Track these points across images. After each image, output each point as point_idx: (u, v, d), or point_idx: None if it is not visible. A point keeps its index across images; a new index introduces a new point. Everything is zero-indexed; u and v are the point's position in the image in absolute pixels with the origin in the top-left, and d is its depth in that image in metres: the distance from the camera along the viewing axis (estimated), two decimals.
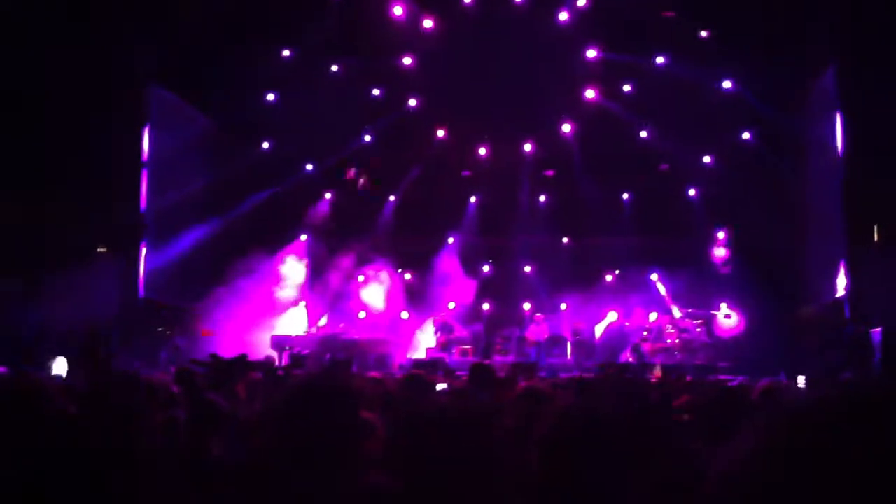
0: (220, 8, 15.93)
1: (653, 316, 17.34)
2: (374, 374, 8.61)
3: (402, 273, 19.08)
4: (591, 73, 18.07)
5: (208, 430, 3.44)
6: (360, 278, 18.68)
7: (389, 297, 18.59)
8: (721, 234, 17.95)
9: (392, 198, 19.57)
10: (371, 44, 17.98)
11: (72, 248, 14.98)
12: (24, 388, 2.97)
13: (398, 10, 17.68)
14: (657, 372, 15.82)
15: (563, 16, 17.82)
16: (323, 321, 18.07)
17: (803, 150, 16.67)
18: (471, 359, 16.00)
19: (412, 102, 18.91)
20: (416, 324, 18.47)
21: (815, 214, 16.12)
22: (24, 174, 14.65)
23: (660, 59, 17.59)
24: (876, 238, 13.72)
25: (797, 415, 0.86)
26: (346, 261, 18.76)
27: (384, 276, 18.62)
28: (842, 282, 14.78)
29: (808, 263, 16.61)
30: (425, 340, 17.97)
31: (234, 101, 17.51)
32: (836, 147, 14.88)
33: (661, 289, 17.99)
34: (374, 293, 18.57)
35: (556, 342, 17.67)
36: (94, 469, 2.37)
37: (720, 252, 17.84)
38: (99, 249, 16.26)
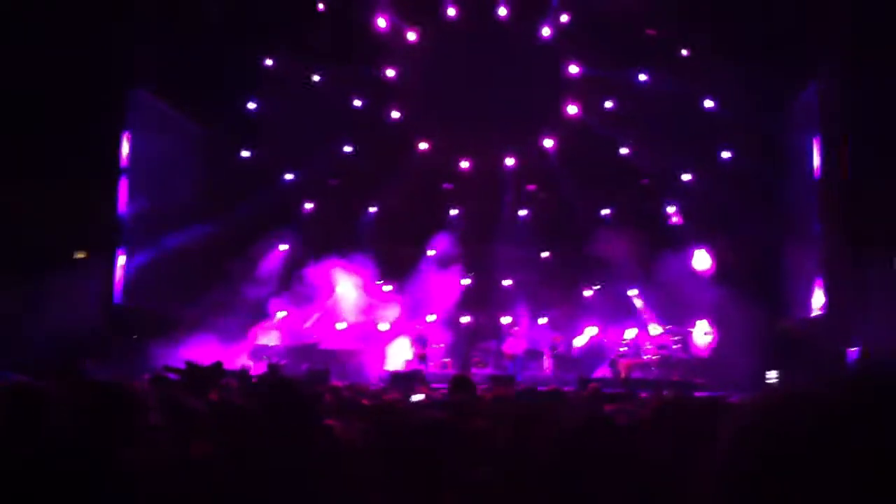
0: (208, 12, 15.90)
1: (631, 332, 17.39)
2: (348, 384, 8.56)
3: (382, 284, 19.00)
4: (574, 89, 18.19)
5: (187, 433, 3.40)
6: (339, 289, 18.57)
7: (367, 309, 18.49)
8: (707, 261, 17.72)
9: (373, 209, 19.53)
10: (355, 54, 18.02)
11: (49, 251, 14.81)
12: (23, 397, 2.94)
13: (382, 23, 17.73)
14: (622, 371, 16.02)
15: (546, 31, 17.94)
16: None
17: (783, 166, 16.83)
18: (450, 371, 15.96)
19: (395, 115, 18.91)
20: (393, 335, 18.37)
21: (794, 230, 16.25)
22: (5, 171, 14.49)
23: (642, 77, 17.72)
24: (854, 256, 13.81)
25: (772, 413, 0.86)
26: (326, 271, 18.64)
27: (363, 287, 18.52)
28: (818, 300, 14.88)
29: (786, 280, 16.73)
30: (398, 352, 17.86)
31: (220, 106, 17.51)
32: (814, 164, 15.04)
33: (640, 304, 18.06)
34: (352, 304, 18.46)
35: (534, 356, 17.66)
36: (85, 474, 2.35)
37: (703, 264, 17.63)
38: (77, 255, 16.07)
